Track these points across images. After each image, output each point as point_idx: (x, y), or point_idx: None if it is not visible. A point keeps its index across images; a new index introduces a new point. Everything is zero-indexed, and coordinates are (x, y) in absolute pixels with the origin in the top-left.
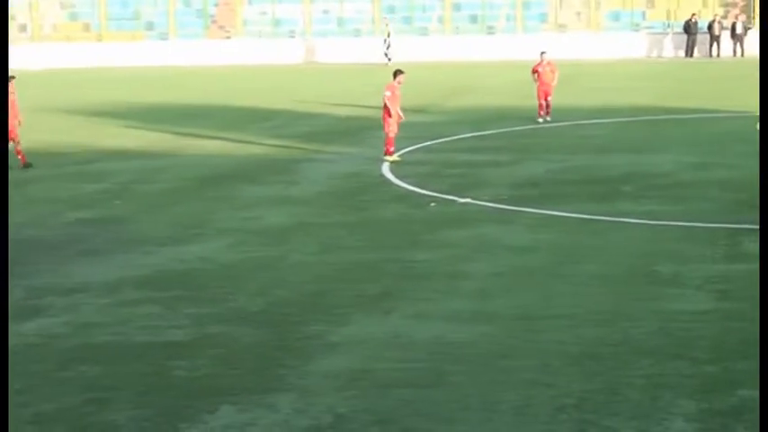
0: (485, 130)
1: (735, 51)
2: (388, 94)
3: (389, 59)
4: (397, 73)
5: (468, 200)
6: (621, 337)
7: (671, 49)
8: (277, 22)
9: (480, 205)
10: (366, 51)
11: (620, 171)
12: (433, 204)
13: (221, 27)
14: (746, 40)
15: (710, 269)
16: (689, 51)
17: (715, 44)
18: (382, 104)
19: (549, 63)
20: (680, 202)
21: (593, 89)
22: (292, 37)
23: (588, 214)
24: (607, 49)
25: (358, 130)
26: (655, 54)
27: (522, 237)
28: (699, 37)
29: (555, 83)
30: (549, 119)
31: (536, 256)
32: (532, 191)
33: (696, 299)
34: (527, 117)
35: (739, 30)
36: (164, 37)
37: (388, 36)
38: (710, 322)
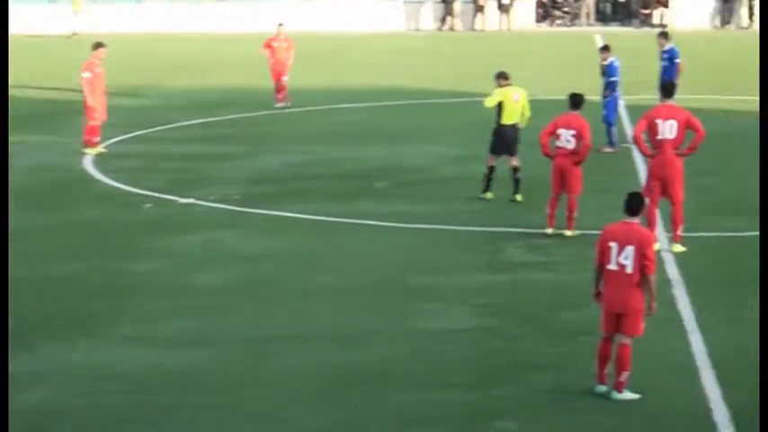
0: (213, 117)
1: (501, 24)
2: (87, 75)
3: (74, 32)
4: (96, 46)
5: (192, 200)
6: (371, 360)
7: (430, 20)
8: None
9: (206, 206)
10: (54, 21)
11: (372, 165)
12: (148, 205)
13: None
14: (513, 11)
15: (470, 280)
16: (447, 22)
17: (479, 15)
18: (82, 86)
19: (286, 38)
20: (438, 200)
21: (342, 68)
22: None
23: (333, 216)
24: (359, 20)
25: (51, 115)
26: (413, 26)
27: (256, 243)
28: (461, 6)
29: (291, 62)
30: (287, 104)
31: (271, 265)
32: (268, 188)
33: (454, 315)
34: (263, 101)
35: (506, 0)
36: None
37: (75, 4)
38: (470, 343)
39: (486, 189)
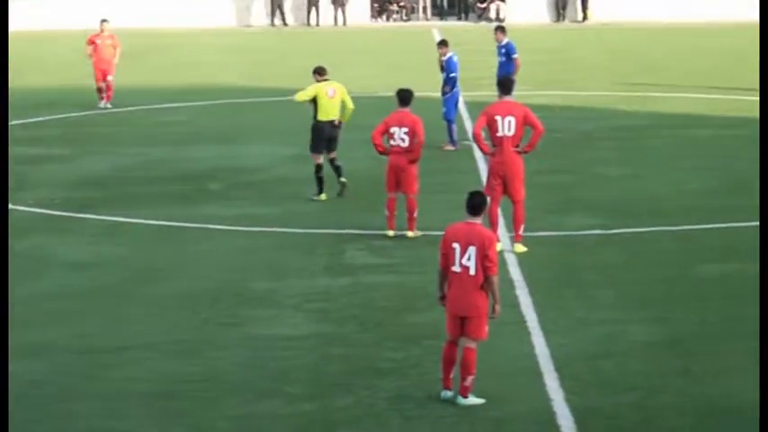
0: (32, 118)
1: (336, 19)
2: None
3: None
4: None
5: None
6: (205, 370)
7: (263, 15)
8: None
9: (26, 212)
10: None
11: (205, 166)
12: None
13: None
14: (348, 6)
15: (309, 285)
16: (276, 17)
17: (314, 10)
18: None
19: (110, 35)
20: (276, 202)
21: (171, 66)
22: None
23: (166, 220)
24: (188, 15)
25: None
26: (243, 22)
27: (83, 250)
28: (295, 1)
29: (117, 60)
30: (109, 105)
31: (100, 273)
32: (95, 192)
33: (293, 321)
34: (87, 101)
35: None
36: None
37: None
38: (308, 350)
39: (320, 191)
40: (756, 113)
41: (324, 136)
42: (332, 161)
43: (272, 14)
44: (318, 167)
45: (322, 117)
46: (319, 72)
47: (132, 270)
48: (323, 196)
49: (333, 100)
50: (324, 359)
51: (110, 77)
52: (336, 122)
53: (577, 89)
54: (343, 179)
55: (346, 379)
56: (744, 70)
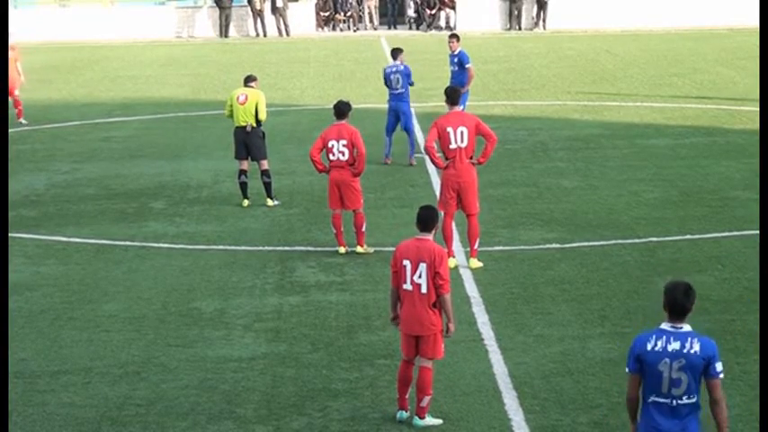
0: None
1: (280, 30)
2: None
3: None
4: None
5: None
6: (152, 394)
7: (207, 27)
8: None
9: None
10: None
11: (148, 182)
12: None
13: None
14: (293, 16)
15: (260, 304)
16: (224, 30)
17: (259, 20)
18: None
19: (12, 48)
20: (223, 219)
21: (109, 79)
22: None
23: (108, 239)
24: (122, 28)
25: None
26: (186, 34)
27: (21, 271)
28: (234, 11)
29: (23, 77)
30: (23, 121)
31: (38, 295)
32: (30, 211)
33: (243, 342)
34: (12, 117)
35: (280, 3)
36: None
37: None
38: (259, 371)
39: (243, 196)
40: (713, 123)
41: (239, 141)
42: (262, 174)
43: (221, 25)
44: (239, 173)
45: (235, 122)
46: (247, 80)
47: (71, 292)
48: (245, 202)
49: (244, 106)
50: (276, 380)
51: (17, 92)
52: (248, 128)
53: (531, 99)
54: (269, 202)
55: (299, 400)
56: (701, 78)
